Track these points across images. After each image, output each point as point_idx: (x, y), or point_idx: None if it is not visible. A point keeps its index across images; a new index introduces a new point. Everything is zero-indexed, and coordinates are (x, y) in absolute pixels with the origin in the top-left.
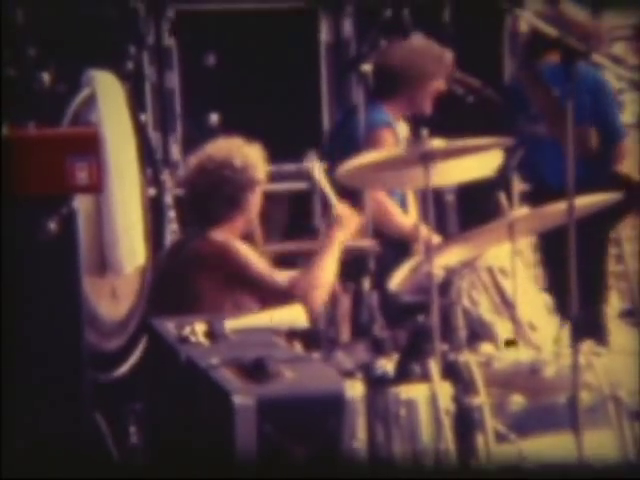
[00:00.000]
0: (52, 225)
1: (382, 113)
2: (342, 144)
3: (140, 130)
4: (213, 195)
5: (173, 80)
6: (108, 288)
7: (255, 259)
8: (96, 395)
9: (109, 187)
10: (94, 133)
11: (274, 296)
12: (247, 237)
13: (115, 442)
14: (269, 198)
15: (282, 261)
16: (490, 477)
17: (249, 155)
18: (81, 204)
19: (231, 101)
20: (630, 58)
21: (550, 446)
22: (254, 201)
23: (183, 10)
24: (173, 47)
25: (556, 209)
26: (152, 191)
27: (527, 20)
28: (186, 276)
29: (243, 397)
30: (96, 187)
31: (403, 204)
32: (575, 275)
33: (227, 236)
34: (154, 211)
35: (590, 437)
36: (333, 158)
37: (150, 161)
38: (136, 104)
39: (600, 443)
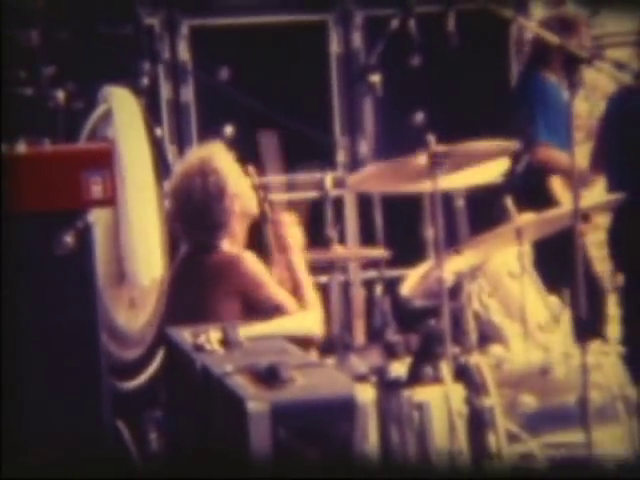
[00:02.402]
0: (68, 239)
1: None
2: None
3: (156, 144)
4: (200, 216)
5: (188, 94)
6: (126, 299)
7: (267, 279)
8: (117, 403)
9: (126, 200)
10: (108, 148)
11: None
12: (261, 246)
13: (137, 448)
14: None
15: None
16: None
17: (215, 169)
18: (99, 218)
19: (245, 113)
20: (634, 63)
21: (561, 445)
22: (240, 205)
23: (196, 25)
24: (188, 62)
25: (560, 213)
26: (168, 204)
27: (531, 29)
28: (199, 288)
29: (257, 403)
30: (111, 201)
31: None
32: (581, 277)
33: (238, 249)
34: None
35: (600, 435)
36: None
37: (166, 174)
38: (152, 118)
39: (610, 441)
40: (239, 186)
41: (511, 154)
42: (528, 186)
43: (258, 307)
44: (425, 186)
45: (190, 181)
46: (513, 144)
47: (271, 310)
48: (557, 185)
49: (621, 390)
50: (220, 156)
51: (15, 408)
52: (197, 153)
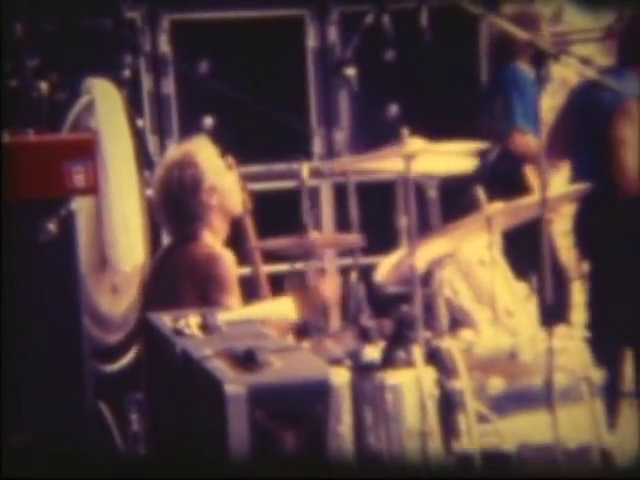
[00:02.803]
0: (51, 226)
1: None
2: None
3: (138, 134)
4: (177, 208)
5: (169, 86)
6: (109, 285)
7: (233, 287)
8: (100, 385)
9: (108, 189)
10: (91, 138)
11: None
12: (240, 233)
13: (118, 429)
14: (262, 197)
15: (271, 256)
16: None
17: (194, 163)
18: (82, 206)
19: (224, 105)
20: (598, 59)
21: (528, 425)
22: (218, 200)
23: (177, 19)
24: (168, 55)
25: (529, 202)
26: (149, 192)
27: (500, 24)
28: (174, 277)
29: (235, 386)
30: (93, 189)
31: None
32: (549, 265)
33: (216, 243)
34: (151, 211)
35: (565, 415)
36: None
37: (148, 164)
38: (134, 110)
39: (574, 421)
40: (219, 181)
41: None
42: (501, 175)
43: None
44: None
45: (169, 173)
46: (483, 144)
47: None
48: (532, 173)
49: (585, 372)
50: (202, 151)
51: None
52: (181, 146)
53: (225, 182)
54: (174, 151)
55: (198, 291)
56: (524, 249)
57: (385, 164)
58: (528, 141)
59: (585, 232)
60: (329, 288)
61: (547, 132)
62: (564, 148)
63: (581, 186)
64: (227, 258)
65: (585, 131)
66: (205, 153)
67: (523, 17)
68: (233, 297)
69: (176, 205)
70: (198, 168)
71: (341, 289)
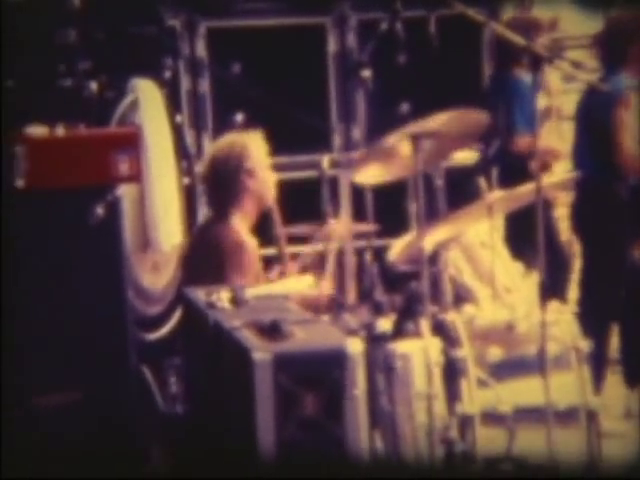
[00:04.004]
0: (100, 210)
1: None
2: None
3: (176, 129)
4: (219, 182)
5: (205, 86)
6: (150, 263)
7: (254, 272)
8: (142, 351)
9: (150, 177)
10: (135, 132)
11: None
12: (266, 219)
13: (158, 390)
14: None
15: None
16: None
17: (232, 146)
18: (127, 192)
19: (253, 103)
20: (589, 63)
21: (523, 389)
22: (255, 185)
23: (213, 26)
24: (205, 58)
25: (526, 190)
26: (186, 180)
27: (500, 31)
28: (208, 254)
29: (261, 353)
30: (136, 177)
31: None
32: (544, 247)
33: (244, 229)
34: (188, 197)
35: (555, 380)
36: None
37: (185, 155)
38: (173, 107)
39: (563, 385)
40: (260, 170)
41: (484, 140)
42: (506, 167)
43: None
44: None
45: (219, 151)
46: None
47: None
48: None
49: (574, 342)
50: (253, 141)
51: (52, 353)
52: (237, 135)
53: (265, 173)
54: (228, 137)
55: (222, 272)
56: (524, 232)
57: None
58: (527, 143)
59: (581, 216)
60: (325, 288)
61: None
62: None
63: (575, 174)
64: (251, 247)
65: (587, 124)
66: (255, 144)
67: (523, 23)
68: (251, 281)
69: (217, 181)
70: (245, 151)
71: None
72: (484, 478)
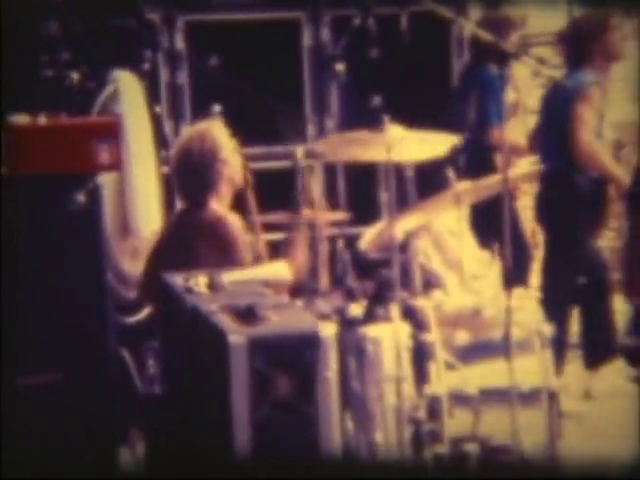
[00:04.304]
0: (81, 197)
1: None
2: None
3: (156, 119)
4: (196, 173)
5: (183, 78)
6: (130, 248)
7: (242, 236)
8: (122, 334)
9: (130, 165)
10: (115, 122)
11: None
12: (242, 208)
13: (137, 372)
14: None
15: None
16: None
17: (213, 137)
18: (107, 180)
19: (230, 94)
20: (553, 59)
21: (488, 372)
22: (228, 171)
23: (191, 20)
24: (183, 51)
25: (492, 181)
26: (165, 169)
27: (468, 28)
28: (187, 239)
29: (237, 336)
30: (116, 166)
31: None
32: (509, 236)
33: (223, 209)
34: (167, 185)
35: (519, 363)
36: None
37: (164, 144)
38: (152, 97)
39: (527, 368)
40: (230, 156)
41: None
42: (474, 158)
43: (231, 262)
44: (380, 157)
45: (190, 146)
46: (454, 136)
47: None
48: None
49: (537, 327)
50: (218, 129)
51: (34, 338)
52: (199, 125)
53: (234, 157)
54: (193, 128)
55: (210, 249)
56: (489, 222)
57: (368, 150)
58: (501, 135)
59: (544, 206)
60: (300, 258)
61: (532, 131)
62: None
63: (538, 167)
64: (234, 219)
65: (550, 118)
66: (220, 131)
67: (497, 21)
68: (243, 251)
69: (193, 172)
70: (216, 142)
71: (313, 259)
72: (481, 478)
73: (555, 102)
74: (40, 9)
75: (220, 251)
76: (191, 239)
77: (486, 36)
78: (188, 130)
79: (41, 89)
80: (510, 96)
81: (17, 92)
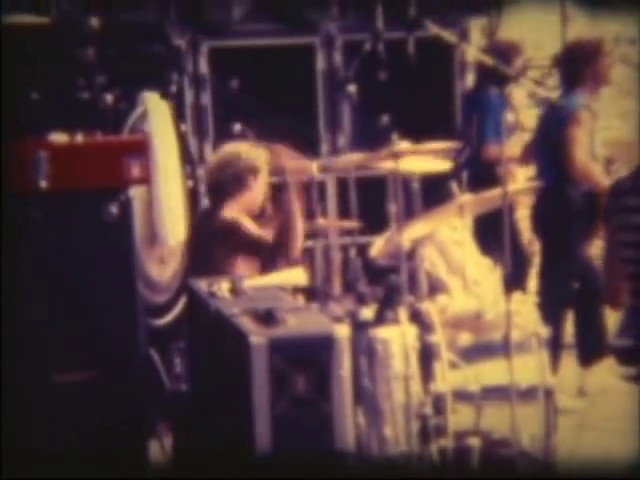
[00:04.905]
0: (113, 209)
1: (578, 96)
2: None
3: (181, 137)
4: (221, 180)
5: (206, 99)
6: (158, 256)
7: (252, 226)
8: (151, 336)
9: (158, 180)
10: (145, 139)
11: (269, 252)
12: (261, 215)
13: (165, 370)
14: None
15: None
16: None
17: (249, 152)
18: (138, 193)
19: (250, 114)
20: (549, 81)
21: (489, 371)
22: (254, 185)
23: (214, 46)
24: (206, 74)
25: (493, 195)
26: (190, 183)
27: (470, 52)
28: (205, 245)
29: (257, 338)
30: (145, 180)
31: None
32: (509, 244)
33: (234, 213)
34: (192, 198)
35: (518, 363)
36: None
37: (189, 160)
38: (178, 117)
39: (525, 367)
40: (263, 175)
41: (456, 149)
42: (476, 172)
43: (251, 247)
44: (388, 166)
45: (226, 163)
46: (455, 144)
47: (260, 245)
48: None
49: (535, 329)
50: (256, 153)
51: (73, 339)
52: (241, 145)
53: (264, 178)
54: (225, 149)
55: (225, 249)
56: (490, 232)
57: (378, 163)
58: (496, 151)
59: (539, 217)
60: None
61: (526, 144)
62: (533, 154)
63: (536, 183)
64: (247, 222)
65: (546, 137)
66: (258, 155)
67: (504, 46)
68: (257, 237)
69: (223, 185)
70: (253, 161)
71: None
72: (483, 478)
73: (550, 122)
74: (78, 37)
75: (237, 248)
76: (208, 240)
77: (487, 60)
78: (221, 152)
79: (78, 110)
80: (510, 117)
81: (57, 113)
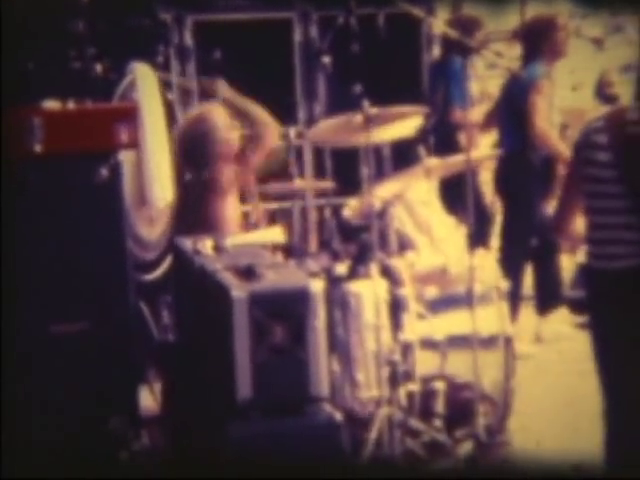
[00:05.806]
0: (104, 171)
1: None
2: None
3: (168, 104)
4: (195, 147)
5: (191, 69)
6: (147, 216)
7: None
8: (140, 290)
9: (146, 144)
10: (133, 106)
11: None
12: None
13: (153, 321)
14: None
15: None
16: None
17: (213, 116)
18: (127, 156)
19: (232, 84)
20: (508, 53)
21: (453, 321)
22: (226, 150)
23: (198, 19)
24: (191, 46)
25: (457, 160)
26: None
27: (436, 26)
28: (194, 200)
29: (238, 292)
30: (134, 144)
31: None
32: (472, 204)
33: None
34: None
35: (480, 314)
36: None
37: (175, 125)
38: (165, 86)
39: (487, 317)
40: (228, 136)
41: (423, 115)
42: (442, 138)
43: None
44: (362, 140)
45: (190, 127)
46: (422, 108)
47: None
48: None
49: (496, 282)
50: (216, 112)
51: (66, 292)
52: (200, 108)
53: (232, 137)
54: (193, 111)
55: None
56: (456, 193)
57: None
58: (462, 116)
59: (502, 179)
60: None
61: (488, 111)
62: (496, 121)
63: (497, 151)
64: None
65: (508, 104)
66: (219, 113)
67: (466, 20)
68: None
69: (193, 151)
70: (213, 123)
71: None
72: (483, 478)
73: (512, 91)
74: (69, 9)
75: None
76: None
77: (452, 33)
78: (188, 115)
79: (70, 79)
80: (476, 87)
81: (50, 81)
